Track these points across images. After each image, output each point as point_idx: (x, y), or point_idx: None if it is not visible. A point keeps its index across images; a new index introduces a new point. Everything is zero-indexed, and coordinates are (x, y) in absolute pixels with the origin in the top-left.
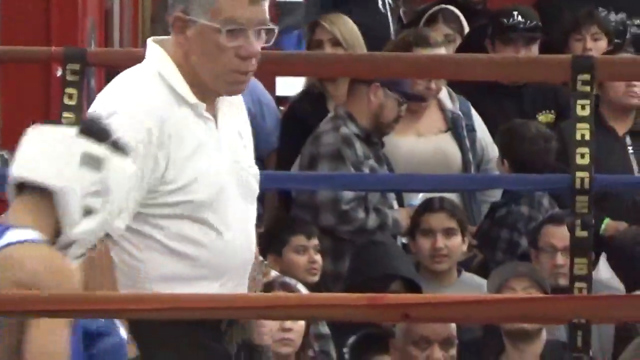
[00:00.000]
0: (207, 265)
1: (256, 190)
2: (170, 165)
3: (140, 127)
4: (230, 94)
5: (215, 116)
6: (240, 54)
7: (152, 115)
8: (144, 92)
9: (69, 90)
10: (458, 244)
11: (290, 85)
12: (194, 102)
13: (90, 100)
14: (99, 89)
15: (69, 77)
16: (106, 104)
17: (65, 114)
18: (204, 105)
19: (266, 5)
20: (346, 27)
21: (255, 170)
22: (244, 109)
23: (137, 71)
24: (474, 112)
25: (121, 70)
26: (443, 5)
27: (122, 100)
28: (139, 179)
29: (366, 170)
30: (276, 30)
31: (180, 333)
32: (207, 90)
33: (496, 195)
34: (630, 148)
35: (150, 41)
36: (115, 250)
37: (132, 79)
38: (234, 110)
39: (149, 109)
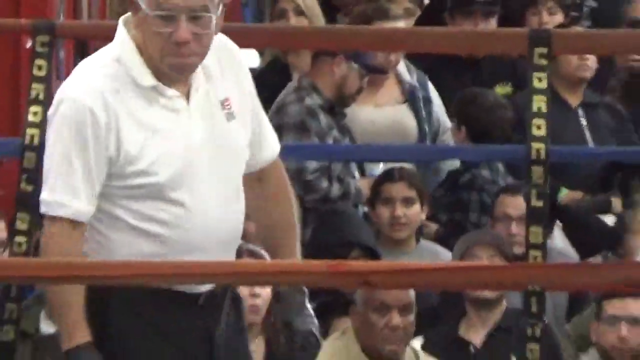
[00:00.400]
0: (177, 242)
1: (239, 158)
2: (123, 147)
3: (83, 109)
4: (179, 74)
5: (188, 92)
6: (171, 40)
7: (96, 99)
8: (92, 77)
9: (39, 61)
10: (417, 213)
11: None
12: (151, 84)
13: (58, 72)
14: (68, 61)
15: (39, 49)
16: (60, 90)
17: (35, 85)
18: (165, 86)
19: None
20: None
21: (239, 143)
22: (240, 78)
23: (97, 56)
24: (430, 84)
25: (89, 42)
26: None
27: (71, 86)
28: (88, 158)
29: (330, 141)
30: (213, 16)
31: (156, 309)
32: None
33: (448, 164)
34: (583, 120)
35: (120, 21)
36: (89, 230)
37: (88, 65)
38: (214, 81)
39: (93, 92)
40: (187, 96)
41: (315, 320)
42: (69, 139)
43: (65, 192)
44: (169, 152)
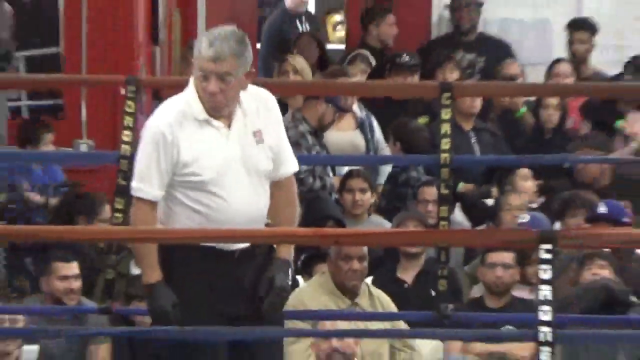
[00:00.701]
0: (216, 220)
1: (260, 170)
2: (181, 156)
3: (159, 134)
4: (214, 113)
5: (230, 123)
6: (206, 91)
7: (166, 127)
8: (166, 113)
9: (129, 102)
10: (368, 198)
11: None
12: (203, 117)
13: (141, 109)
14: (147, 102)
15: (129, 95)
16: (148, 120)
17: (126, 117)
18: (212, 118)
19: (225, 63)
20: (301, 61)
21: (263, 160)
22: (271, 118)
23: (174, 99)
24: (373, 118)
25: (160, 90)
26: (360, 50)
27: (154, 118)
28: (161, 162)
29: (314, 153)
30: (233, 79)
31: (203, 261)
32: None
33: (385, 167)
34: (473, 139)
35: (190, 78)
36: (161, 205)
37: (166, 105)
38: (251, 118)
39: (165, 123)
40: (229, 125)
41: (289, 284)
42: (149, 151)
43: (145, 182)
44: (212, 161)
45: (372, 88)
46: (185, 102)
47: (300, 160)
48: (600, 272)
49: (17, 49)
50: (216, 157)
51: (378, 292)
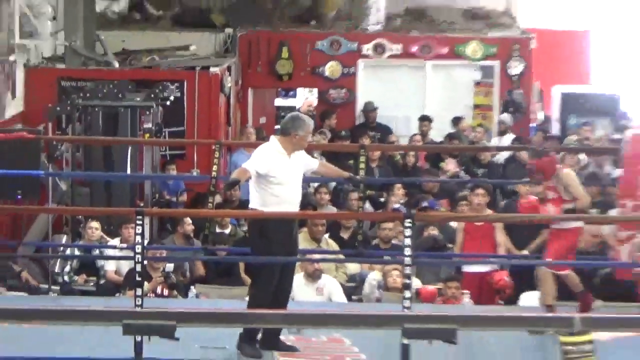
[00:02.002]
0: (284, 201)
1: (301, 174)
2: (271, 170)
3: (262, 156)
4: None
5: (291, 155)
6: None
7: (266, 154)
8: (264, 147)
9: (216, 153)
10: (327, 197)
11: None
12: (282, 152)
13: (221, 157)
14: (224, 153)
15: (216, 149)
16: (257, 150)
17: (214, 160)
18: (286, 152)
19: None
20: None
21: (301, 168)
22: (304, 156)
23: (267, 142)
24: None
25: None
26: (322, 129)
27: (259, 149)
28: (260, 169)
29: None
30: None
31: (280, 227)
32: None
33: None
34: (375, 170)
35: (272, 136)
36: (262, 190)
37: (264, 144)
38: (300, 155)
39: (265, 152)
40: (290, 156)
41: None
42: (256, 158)
43: (251, 165)
44: (283, 171)
45: (330, 146)
46: (273, 142)
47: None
48: (432, 232)
49: (165, 127)
50: (285, 170)
51: (330, 241)
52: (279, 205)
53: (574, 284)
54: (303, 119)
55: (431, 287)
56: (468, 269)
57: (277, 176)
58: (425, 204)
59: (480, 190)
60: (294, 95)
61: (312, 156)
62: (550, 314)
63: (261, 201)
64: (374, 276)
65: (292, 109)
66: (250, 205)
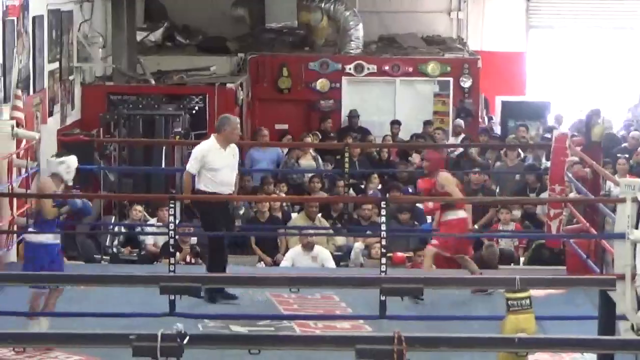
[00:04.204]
0: (221, 183)
1: (234, 166)
2: (208, 162)
3: (196, 155)
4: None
5: (225, 149)
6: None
7: (201, 151)
8: (202, 145)
9: None
10: (319, 184)
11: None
12: (217, 147)
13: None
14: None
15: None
16: (194, 149)
17: None
18: (221, 147)
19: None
20: None
21: (235, 161)
22: (235, 150)
23: (207, 139)
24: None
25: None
26: (315, 132)
27: (196, 147)
28: (198, 162)
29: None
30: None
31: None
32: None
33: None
34: (356, 164)
35: (212, 135)
36: (202, 176)
37: (205, 141)
38: (234, 150)
39: (201, 149)
40: (226, 149)
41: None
42: (191, 159)
43: (189, 167)
44: (218, 161)
45: (321, 145)
46: (212, 139)
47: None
48: (404, 216)
49: (191, 131)
50: (220, 161)
51: (322, 219)
52: (216, 187)
53: (472, 268)
54: (229, 117)
55: (400, 254)
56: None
57: (213, 165)
58: (410, 189)
59: None
60: None
61: (311, 154)
62: (496, 276)
63: (204, 184)
64: (358, 245)
65: None
66: (196, 187)
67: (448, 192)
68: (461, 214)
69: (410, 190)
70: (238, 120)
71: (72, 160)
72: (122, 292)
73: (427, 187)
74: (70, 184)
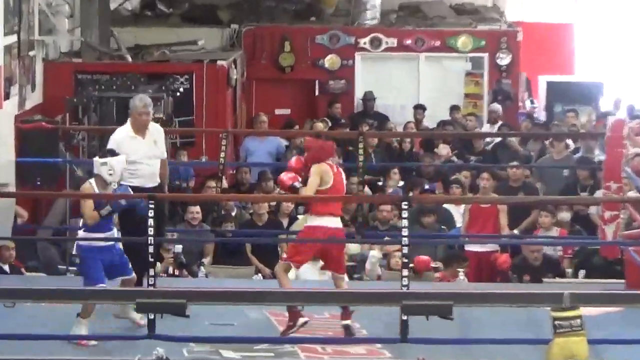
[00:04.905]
0: (138, 175)
1: (157, 157)
2: (121, 151)
3: (112, 141)
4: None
5: (144, 137)
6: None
7: (116, 140)
8: (116, 133)
9: (223, 141)
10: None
11: None
12: (132, 132)
13: (228, 144)
14: (231, 142)
15: (223, 138)
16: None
17: (222, 147)
18: (136, 133)
19: (149, 107)
20: None
21: (157, 149)
22: (160, 135)
23: (123, 126)
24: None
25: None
26: (324, 118)
27: (112, 136)
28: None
29: None
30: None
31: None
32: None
33: None
34: (372, 155)
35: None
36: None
37: (120, 128)
38: (152, 133)
39: (115, 137)
40: (144, 137)
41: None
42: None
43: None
44: (132, 150)
45: (329, 133)
46: (128, 126)
47: None
48: (429, 219)
49: (175, 117)
50: (139, 150)
51: None
52: (139, 182)
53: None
54: (135, 97)
55: (425, 257)
56: (469, 248)
57: (129, 157)
58: (427, 186)
59: (485, 175)
60: None
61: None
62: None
63: (122, 177)
64: (375, 254)
65: None
66: None
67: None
68: (325, 221)
69: (436, 189)
70: (147, 100)
71: (116, 161)
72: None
73: (298, 166)
74: (115, 187)
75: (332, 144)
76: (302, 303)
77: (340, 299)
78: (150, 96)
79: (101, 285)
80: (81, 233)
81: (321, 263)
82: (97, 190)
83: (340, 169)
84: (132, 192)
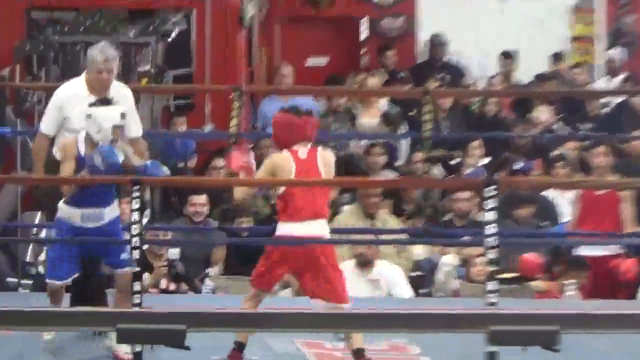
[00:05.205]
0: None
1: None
2: (66, 117)
3: (56, 99)
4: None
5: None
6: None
7: (62, 97)
8: (65, 86)
9: (234, 103)
10: (382, 159)
11: None
12: (85, 95)
13: (242, 107)
14: (246, 102)
15: (234, 98)
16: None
17: (233, 111)
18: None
19: (113, 62)
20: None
21: (114, 115)
22: (128, 98)
23: (72, 80)
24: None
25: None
26: (380, 68)
27: (56, 91)
28: (54, 118)
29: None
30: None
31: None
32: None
33: None
34: (443, 123)
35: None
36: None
37: (66, 84)
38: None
39: (62, 93)
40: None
41: None
42: (48, 108)
43: (45, 125)
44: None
45: (383, 92)
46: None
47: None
48: (524, 211)
49: (167, 69)
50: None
51: (389, 217)
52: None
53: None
54: (93, 47)
55: (534, 255)
56: (582, 252)
57: (75, 125)
58: (517, 166)
59: (601, 149)
60: None
61: (378, 109)
62: None
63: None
64: (448, 260)
65: None
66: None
67: None
68: (292, 228)
69: (533, 168)
70: (110, 52)
71: (104, 113)
72: (59, 338)
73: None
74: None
75: (309, 121)
76: (348, 329)
77: (400, 324)
78: (132, 42)
79: (59, 282)
80: (60, 205)
81: (373, 273)
82: (83, 148)
83: (322, 153)
84: (118, 157)
